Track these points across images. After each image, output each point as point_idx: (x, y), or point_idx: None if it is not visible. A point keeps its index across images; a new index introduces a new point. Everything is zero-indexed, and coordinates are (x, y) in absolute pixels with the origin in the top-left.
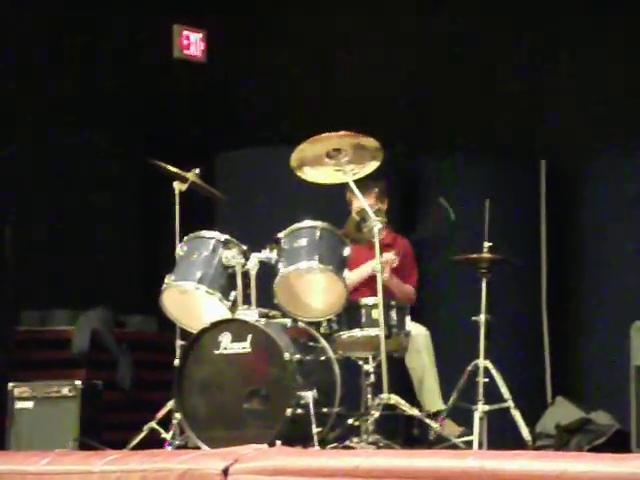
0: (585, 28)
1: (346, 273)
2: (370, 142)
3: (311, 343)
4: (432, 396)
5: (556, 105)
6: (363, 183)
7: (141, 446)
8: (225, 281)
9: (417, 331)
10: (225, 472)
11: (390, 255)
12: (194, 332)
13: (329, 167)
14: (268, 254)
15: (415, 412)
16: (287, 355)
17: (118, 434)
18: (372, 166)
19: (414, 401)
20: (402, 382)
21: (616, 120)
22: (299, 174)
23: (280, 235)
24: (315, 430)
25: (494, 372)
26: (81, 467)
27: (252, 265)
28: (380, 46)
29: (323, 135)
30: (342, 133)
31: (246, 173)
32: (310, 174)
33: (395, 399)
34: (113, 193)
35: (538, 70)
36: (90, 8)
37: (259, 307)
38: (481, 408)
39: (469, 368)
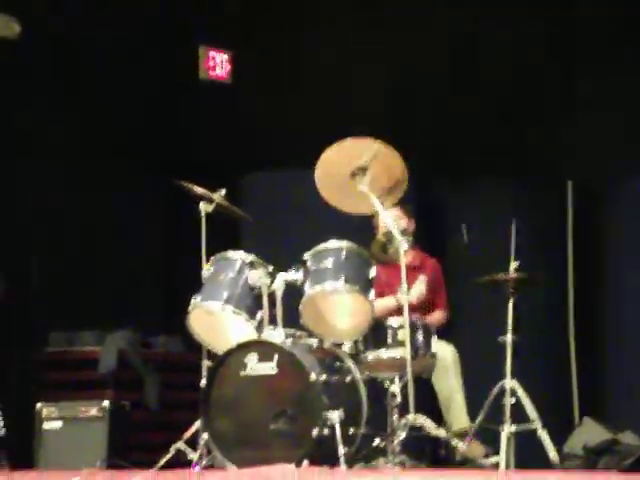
0: (612, 46)
1: (373, 297)
2: (396, 161)
3: (337, 364)
4: (459, 414)
5: (584, 125)
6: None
7: (169, 466)
8: (251, 301)
9: (445, 349)
10: None
11: (421, 288)
12: (220, 353)
13: (353, 187)
14: (294, 275)
15: (441, 433)
16: (313, 376)
17: (146, 454)
18: (398, 192)
19: (440, 422)
20: (428, 403)
21: None
22: (324, 195)
23: (306, 256)
24: (341, 450)
25: (521, 393)
26: None
27: (278, 285)
28: (405, 70)
29: (348, 140)
30: (369, 140)
31: (272, 194)
32: (335, 198)
33: (421, 420)
34: (140, 215)
35: (566, 90)
36: (116, 28)
37: (285, 327)
38: (508, 429)
39: (496, 389)
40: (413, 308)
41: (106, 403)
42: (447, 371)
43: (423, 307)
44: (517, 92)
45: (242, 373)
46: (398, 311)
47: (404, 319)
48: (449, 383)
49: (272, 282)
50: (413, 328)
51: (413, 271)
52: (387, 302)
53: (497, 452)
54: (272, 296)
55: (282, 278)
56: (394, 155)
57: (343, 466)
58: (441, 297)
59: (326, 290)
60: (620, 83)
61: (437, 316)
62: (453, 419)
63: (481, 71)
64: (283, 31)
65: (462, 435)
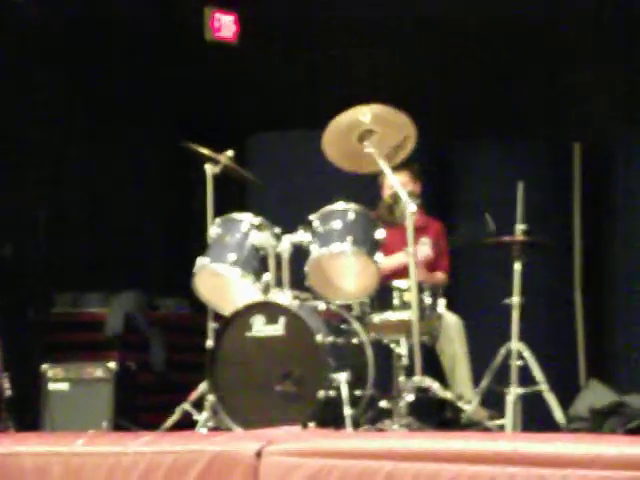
0: (615, 10)
1: (379, 257)
2: (401, 119)
3: (343, 326)
4: (463, 386)
5: (589, 88)
6: (396, 165)
7: (174, 428)
8: (258, 263)
9: (450, 319)
10: (258, 454)
11: (426, 250)
12: (227, 314)
13: (361, 150)
14: (301, 236)
15: (448, 395)
16: (319, 337)
17: (151, 416)
18: (406, 149)
19: (446, 384)
20: (434, 365)
21: None
22: (331, 159)
23: (312, 217)
24: (348, 412)
25: (527, 355)
26: (115, 448)
27: (285, 248)
28: (410, 32)
29: (355, 108)
30: (374, 106)
31: (279, 155)
32: (342, 160)
33: (428, 382)
34: (145, 176)
35: (570, 53)
36: None
37: (291, 290)
38: (514, 391)
39: (502, 351)
40: (420, 269)
41: (112, 364)
42: (452, 341)
43: (428, 269)
44: (523, 55)
45: (248, 334)
46: (404, 272)
47: (410, 280)
48: (453, 353)
49: (278, 244)
50: (420, 290)
51: (417, 232)
52: (395, 259)
53: (503, 414)
54: (278, 258)
55: (289, 240)
56: (397, 114)
57: (349, 428)
58: (443, 260)
59: (333, 252)
60: (624, 46)
61: (438, 277)
62: (457, 388)
63: (487, 36)
64: None
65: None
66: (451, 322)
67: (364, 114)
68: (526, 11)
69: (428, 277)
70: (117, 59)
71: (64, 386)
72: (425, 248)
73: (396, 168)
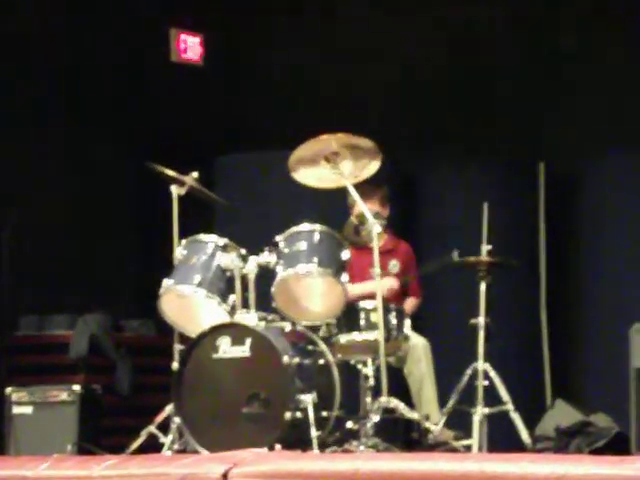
0: (584, 31)
1: (346, 280)
2: (366, 143)
3: (310, 347)
4: (430, 406)
5: (555, 107)
6: (365, 188)
7: (140, 451)
8: (224, 285)
9: (417, 341)
10: (225, 476)
11: (391, 282)
12: (193, 336)
13: (327, 171)
14: (267, 257)
15: (414, 416)
16: (286, 359)
17: (117, 439)
18: (371, 169)
19: (413, 405)
20: (401, 386)
21: (614, 122)
22: (297, 178)
23: (279, 238)
24: (314, 434)
25: (493, 375)
26: (80, 472)
27: (251, 269)
28: (380, 50)
29: (320, 137)
30: (339, 135)
31: (245, 177)
32: (309, 178)
33: (394, 402)
34: (111, 197)
35: (537, 73)
36: (88, 12)
37: (258, 311)
38: (480, 411)
39: (468, 371)
40: (387, 298)
41: (77, 387)
42: (419, 362)
43: (396, 291)
44: (489, 73)
45: (215, 356)
46: (371, 295)
47: (377, 301)
48: (420, 373)
49: (245, 265)
50: (386, 310)
51: (386, 255)
52: (366, 287)
53: (470, 434)
54: (245, 279)
55: (255, 261)
56: (362, 139)
57: (316, 449)
58: (414, 283)
59: (299, 273)
60: (592, 65)
61: (410, 304)
62: (424, 410)
63: (455, 52)
64: (253, 15)
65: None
66: (418, 344)
67: (329, 141)
68: (490, 29)
69: (407, 309)
70: (83, 79)
71: (28, 409)
72: (391, 282)
73: (366, 194)
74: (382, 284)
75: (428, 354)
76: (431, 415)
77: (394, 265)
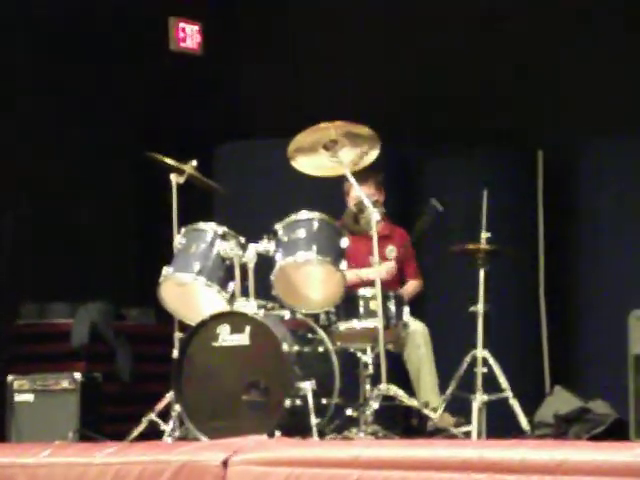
0: (582, 17)
1: (345, 267)
2: (364, 131)
3: (309, 335)
4: (429, 391)
5: (553, 95)
6: (361, 174)
7: (141, 438)
8: (223, 273)
9: (416, 327)
10: (225, 463)
11: (390, 265)
12: (192, 324)
13: (326, 159)
14: (266, 246)
15: (414, 402)
16: (285, 346)
17: (118, 426)
18: (371, 156)
19: (412, 392)
20: (400, 373)
21: (613, 109)
22: (296, 166)
23: (278, 227)
24: (314, 421)
25: (492, 362)
26: (81, 459)
27: (250, 257)
28: (378, 40)
29: (319, 125)
30: (337, 123)
31: (244, 165)
32: (307, 166)
33: (394, 390)
34: (111, 186)
35: (535, 60)
36: (87, 1)
37: (257, 299)
38: (480, 398)
39: (467, 358)
40: (388, 283)
41: (78, 375)
42: (418, 348)
43: (394, 278)
44: (488, 61)
45: (214, 344)
46: (370, 282)
47: (376, 288)
48: (420, 359)
49: (244, 253)
50: (385, 298)
51: (383, 241)
52: (364, 274)
53: (468, 421)
54: (244, 267)
55: (254, 249)
56: (361, 127)
57: (315, 436)
58: (411, 266)
59: (298, 261)
60: (590, 52)
61: (411, 287)
62: (423, 395)
63: (455, 41)
64: (252, 2)
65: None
66: (417, 329)
67: (328, 129)
68: (490, 12)
69: (406, 293)
70: (82, 67)
71: (30, 397)
72: (390, 264)
73: (361, 178)
74: (380, 268)
75: (427, 340)
76: (430, 400)
77: (391, 250)
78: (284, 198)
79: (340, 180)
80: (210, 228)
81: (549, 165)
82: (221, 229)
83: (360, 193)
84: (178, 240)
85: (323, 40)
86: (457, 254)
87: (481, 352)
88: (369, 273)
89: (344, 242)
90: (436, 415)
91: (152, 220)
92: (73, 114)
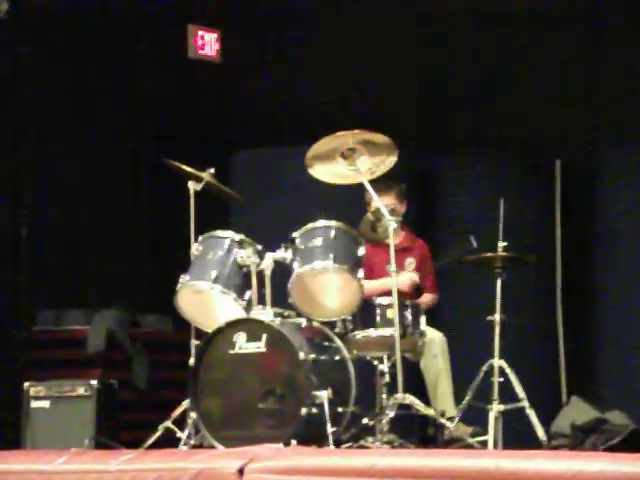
0: (598, 24)
1: (362, 276)
2: (382, 139)
3: (326, 343)
4: (445, 401)
5: (572, 105)
6: (382, 184)
7: (157, 445)
8: (240, 281)
9: (433, 335)
10: (240, 471)
11: (411, 276)
12: (209, 332)
13: (344, 167)
14: (283, 254)
15: (430, 412)
16: (302, 355)
17: (133, 433)
18: (388, 164)
19: (428, 401)
20: (416, 382)
21: (631, 117)
22: (314, 174)
23: (295, 235)
24: (330, 430)
25: (509, 372)
26: (97, 466)
27: (267, 265)
28: (396, 49)
29: (337, 133)
30: (355, 131)
31: (261, 173)
32: (325, 174)
33: (410, 399)
34: (128, 193)
35: (553, 69)
36: (105, 9)
37: (274, 307)
38: (496, 408)
39: (484, 368)
40: (403, 293)
41: (94, 382)
42: (435, 357)
43: (412, 290)
44: (506, 70)
45: (231, 352)
46: (389, 291)
47: (393, 297)
48: (437, 368)
49: (261, 261)
50: (402, 307)
51: (402, 252)
52: (382, 283)
53: (484, 431)
54: (261, 275)
55: (271, 257)
56: (378, 135)
57: (331, 445)
58: (429, 279)
59: (315, 269)
60: (607, 62)
61: (426, 299)
62: (439, 404)
63: (469, 49)
64: (270, 11)
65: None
66: (435, 338)
67: (346, 138)
68: (516, 20)
69: (422, 303)
70: (101, 75)
71: (46, 404)
72: (411, 275)
73: (383, 188)
74: (402, 279)
75: (445, 349)
76: (447, 410)
77: (410, 263)
78: (301, 206)
79: (358, 188)
80: (227, 236)
81: (567, 174)
82: (238, 237)
83: (377, 201)
84: (195, 247)
85: (341, 47)
86: (474, 263)
87: (498, 361)
88: (386, 283)
89: (361, 250)
90: (452, 425)
91: (169, 227)
92: (89, 123)
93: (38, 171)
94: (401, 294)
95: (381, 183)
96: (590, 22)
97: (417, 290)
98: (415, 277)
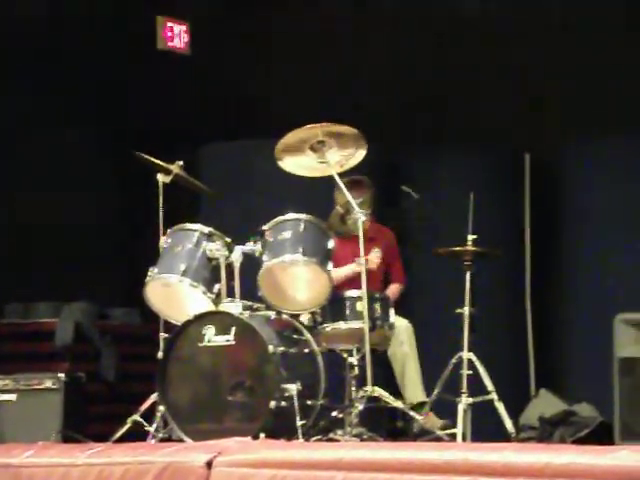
0: (566, 18)
1: (330, 267)
2: (351, 131)
3: (295, 336)
4: (413, 387)
5: (540, 99)
6: (354, 185)
7: (124, 439)
8: (209, 274)
9: (399, 323)
10: (209, 465)
11: (376, 255)
12: (178, 324)
13: (313, 159)
14: (252, 246)
15: (399, 404)
16: (271, 347)
17: (101, 426)
18: (358, 157)
19: (398, 393)
20: (386, 375)
21: (599, 110)
22: (283, 166)
23: (264, 227)
24: (299, 422)
25: (478, 364)
26: (64, 460)
27: (236, 257)
28: (365, 43)
29: (306, 126)
30: (323, 124)
31: (230, 165)
32: (294, 167)
33: (379, 391)
34: (96, 186)
35: (521, 64)
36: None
37: (243, 300)
38: (465, 400)
39: (453, 360)
40: (371, 278)
41: (61, 375)
42: (402, 343)
43: (379, 278)
44: (477, 66)
45: (199, 345)
46: (356, 282)
47: (362, 290)
48: (403, 354)
49: (230, 254)
50: (371, 299)
51: (368, 243)
52: (346, 270)
53: (453, 423)
54: (230, 268)
55: (240, 250)
56: (347, 128)
57: (301, 438)
58: (397, 268)
59: (284, 262)
60: (576, 55)
61: (393, 290)
62: (407, 390)
63: (442, 43)
64: (239, 2)
65: (418, 407)
66: (401, 326)
67: (315, 130)
68: (478, 21)
69: (391, 295)
70: (69, 67)
71: (13, 397)
72: (376, 251)
73: (353, 188)
74: (370, 258)
75: (411, 336)
76: (415, 395)
77: (376, 252)
78: (271, 199)
79: (326, 181)
80: (196, 228)
81: (536, 167)
82: (207, 229)
83: (347, 194)
84: (164, 240)
85: (310, 40)
86: (443, 256)
87: (467, 354)
88: (352, 269)
89: (331, 243)
90: (421, 417)
91: (137, 220)
92: (57, 113)
93: (6, 164)
94: (370, 286)
95: (353, 184)
96: (557, 17)
97: (384, 280)
98: (379, 252)
